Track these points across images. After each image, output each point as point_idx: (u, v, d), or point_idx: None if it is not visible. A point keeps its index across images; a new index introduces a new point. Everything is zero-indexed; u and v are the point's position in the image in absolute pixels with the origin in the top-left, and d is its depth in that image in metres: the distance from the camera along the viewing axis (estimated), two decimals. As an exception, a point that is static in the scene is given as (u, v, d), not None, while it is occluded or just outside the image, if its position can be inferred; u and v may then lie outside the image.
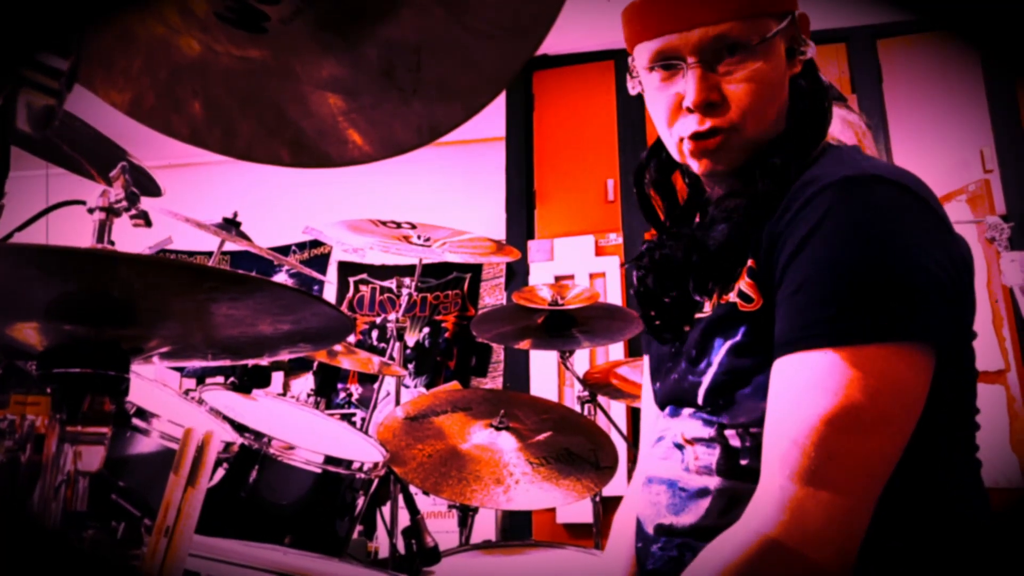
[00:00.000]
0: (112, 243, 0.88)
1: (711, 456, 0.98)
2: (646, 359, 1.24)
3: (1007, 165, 3.38)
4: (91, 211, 0.86)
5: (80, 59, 0.46)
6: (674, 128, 1.02)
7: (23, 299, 0.73)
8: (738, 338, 0.96)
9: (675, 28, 0.98)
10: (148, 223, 0.83)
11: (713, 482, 0.97)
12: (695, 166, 1.04)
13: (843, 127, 1.37)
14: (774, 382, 0.90)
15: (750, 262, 0.97)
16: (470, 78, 0.63)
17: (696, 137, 1.00)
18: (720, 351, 0.98)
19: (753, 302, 0.95)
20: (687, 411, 1.03)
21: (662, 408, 1.10)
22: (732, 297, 0.99)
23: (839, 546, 0.82)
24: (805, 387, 0.86)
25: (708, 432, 0.99)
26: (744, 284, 0.97)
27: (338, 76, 0.65)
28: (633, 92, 1.09)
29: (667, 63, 1.00)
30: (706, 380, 0.99)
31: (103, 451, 0.69)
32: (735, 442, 0.96)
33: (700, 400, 1.00)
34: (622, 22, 1.05)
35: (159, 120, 0.70)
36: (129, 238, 1.10)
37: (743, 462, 0.95)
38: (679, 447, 1.03)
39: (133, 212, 0.82)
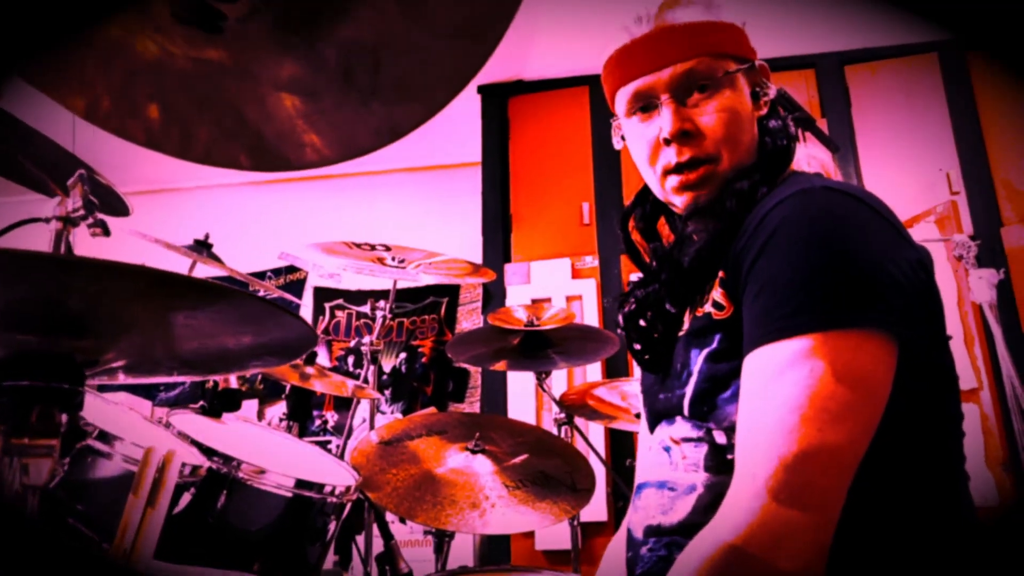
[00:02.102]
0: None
1: (698, 453, 1.01)
2: (641, 396, 1.26)
3: (972, 187, 3.44)
4: (47, 221, 0.84)
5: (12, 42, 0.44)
6: (656, 164, 1.11)
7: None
8: (714, 346, 1.01)
9: (649, 70, 1.08)
10: (106, 232, 0.82)
11: (701, 478, 0.99)
12: (678, 201, 1.11)
13: (807, 162, 1.44)
14: (743, 380, 0.92)
15: (721, 273, 1.02)
16: (429, 78, 0.63)
17: (679, 169, 1.08)
18: (698, 360, 1.02)
19: (725, 310, 1.00)
20: (677, 419, 1.06)
21: (653, 428, 1.13)
22: (706, 308, 1.04)
23: (811, 549, 0.82)
24: (770, 381, 0.88)
25: (696, 433, 1.02)
26: (717, 293, 1.02)
27: (297, 77, 0.64)
28: (618, 146, 1.19)
29: (644, 104, 1.11)
30: (689, 390, 1.02)
31: (51, 464, 0.67)
32: (721, 439, 0.99)
33: (686, 410, 1.03)
34: (602, 76, 1.16)
35: (115, 124, 0.69)
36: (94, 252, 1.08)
37: (730, 457, 0.96)
38: (667, 449, 1.06)
39: (91, 221, 0.80)
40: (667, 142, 1.07)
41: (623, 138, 1.17)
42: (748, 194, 1.04)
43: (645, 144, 1.11)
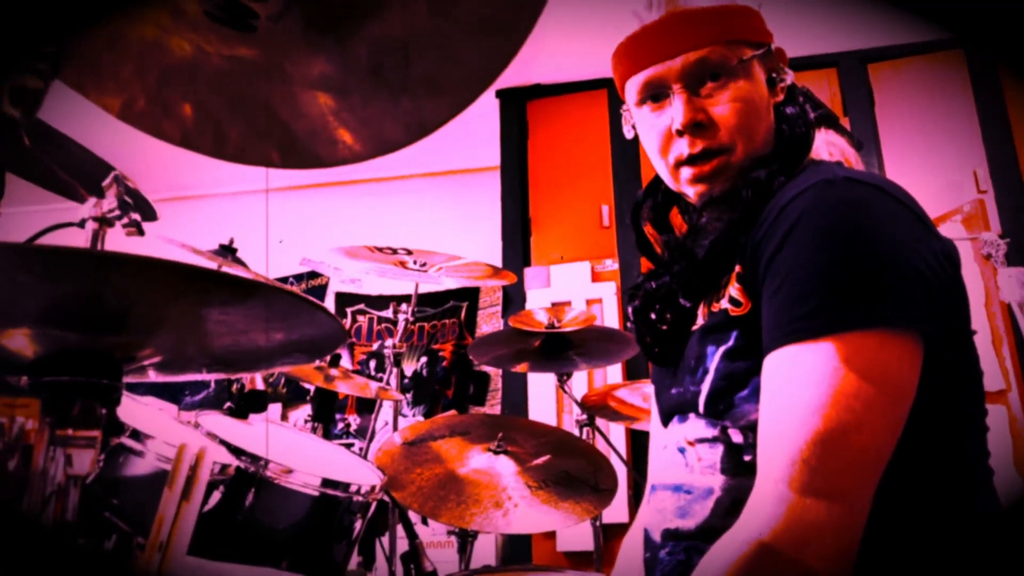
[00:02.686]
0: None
1: (715, 454, 0.99)
2: (652, 389, 1.25)
3: (1001, 185, 3.39)
4: (82, 223, 0.86)
5: (65, 47, 0.46)
6: (668, 155, 1.07)
7: (15, 304, 0.72)
8: (731, 343, 0.98)
9: (660, 59, 1.05)
10: (141, 232, 0.83)
11: (718, 481, 0.97)
12: (691, 192, 1.08)
13: (827, 149, 1.41)
14: (764, 381, 0.90)
15: (737, 268, 0.99)
16: (457, 74, 0.64)
17: (692, 161, 1.04)
18: (715, 357, 0.99)
19: (742, 306, 0.97)
20: (691, 416, 1.04)
21: (666, 423, 1.11)
22: (723, 303, 1.01)
23: (837, 548, 0.81)
24: (793, 382, 0.86)
25: (711, 432, 1.00)
26: (734, 289, 0.99)
27: (328, 75, 0.66)
28: (629, 136, 1.15)
29: (655, 94, 1.07)
30: (705, 388, 1.00)
31: (94, 455, 0.69)
32: (738, 439, 0.97)
33: (702, 408, 1.00)
34: (612, 65, 1.12)
35: (150, 124, 0.71)
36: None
37: (747, 458, 0.95)
38: (682, 450, 1.04)
39: (125, 221, 0.82)
40: (679, 133, 1.04)
41: (634, 127, 1.14)
42: (765, 184, 1.01)
43: (656, 135, 1.08)
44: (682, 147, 1.05)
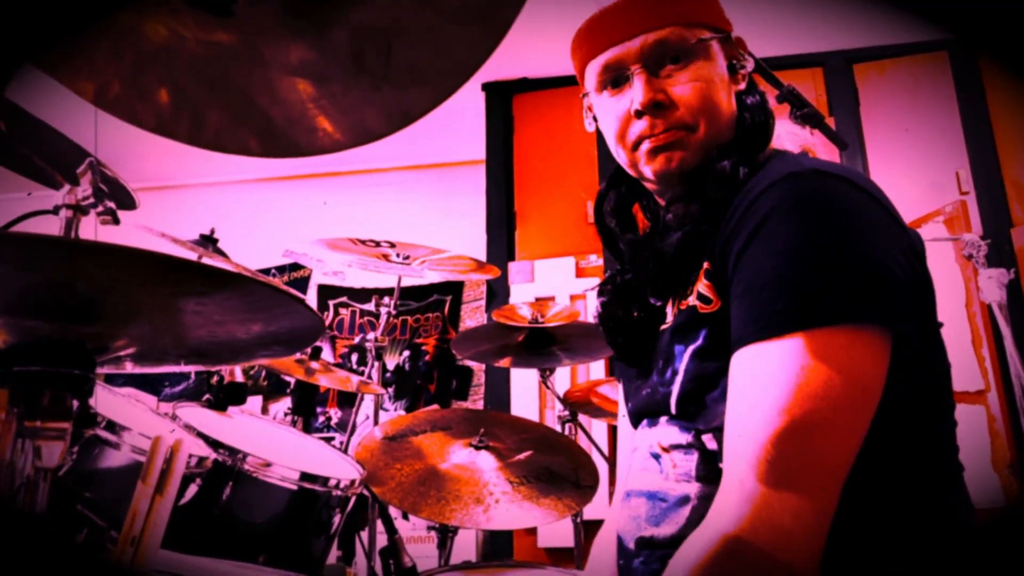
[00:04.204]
0: (79, 242, 0.86)
1: (689, 462, 0.97)
2: (620, 386, 1.23)
3: (983, 186, 3.42)
4: (57, 210, 0.84)
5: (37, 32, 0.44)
6: (626, 136, 1.05)
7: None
8: (700, 342, 0.97)
9: (618, 40, 1.03)
10: (116, 220, 0.82)
11: (693, 489, 0.96)
12: (648, 170, 1.05)
13: (788, 139, 1.41)
14: (731, 378, 0.89)
15: (706, 264, 0.98)
16: (440, 63, 0.63)
17: (652, 137, 1.02)
18: (684, 357, 0.98)
19: (712, 303, 0.96)
20: (663, 419, 1.02)
21: (636, 424, 1.10)
22: (692, 301, 0.99)
23: (805, 543, 0.81)
24: (759, 379, 0.85)
25: (685, 438, 0.98)
26: (702, 286, 0.98)
27: (307, 61, 0.64)
28: (590, 128, 1.14)
29: (615, 77, 1.05)
30: (675, 389, 0.99)
31: (63, 447, 0.67)
32: (712, 445, 0.96)
33: (673, 409, 0.99)
34: (571, 52, 1.11)
35: (125, 109, 0.69)
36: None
37: (722, 465, 0.93)
38: (656, 457, 1.02)
39: (100, 209, 0.80)
40: (639, 114, 1.02)
41: (595, 119, 1.12)
42: (731, 176, 0.99)
43: (615, 119, 1.06)
44: (641, 127, 1.03)
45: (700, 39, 1.03)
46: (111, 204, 0.81)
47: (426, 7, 0.59)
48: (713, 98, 1.03)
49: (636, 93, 1.02)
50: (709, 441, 0.96)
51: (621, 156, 1.09)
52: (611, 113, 1.07)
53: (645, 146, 1.04)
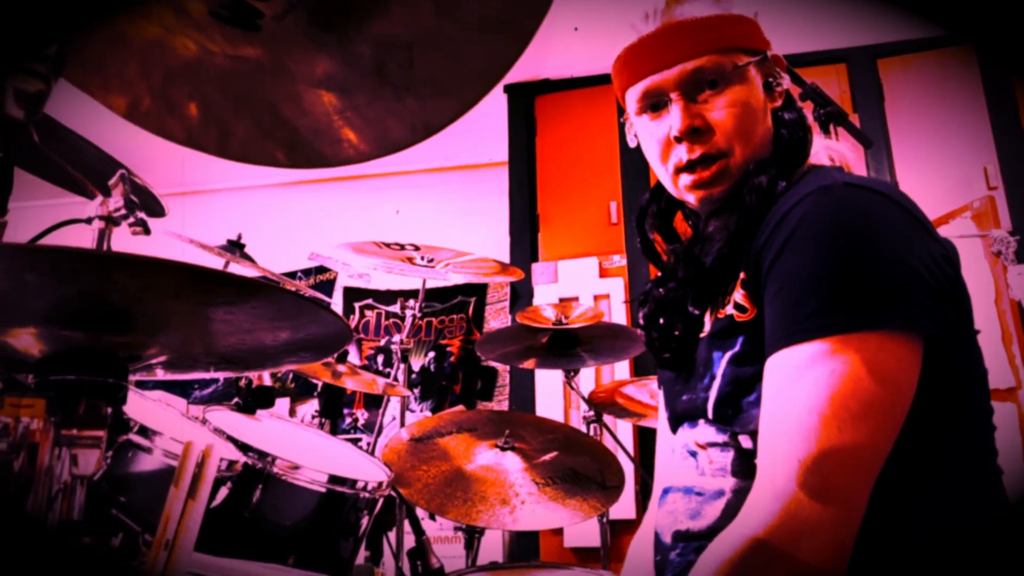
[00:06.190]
0: (111, 252, 0.88)
1: (725, 458, 1.00)
2: (661, 392, 1.25)
3: (1011, 182, 3.36)
4: (89, 221, 0.86)
5: (67, 46, 0.46)
6: (668, 162, 1.10)
7: (21, 304, 0.72)
8: (737, 348, 1.00)
9: (657, 68, 1.07)
10: (147, 231, 0.83)
11: (728, 483, 0.99)
12: (691, 198, 1.10)
13: (827, 154, 1.42)
14: (765, 383, 0.92)
15: (742, 274, 1.01)
16: (462, 73, 0.63)
17: (691, 167, 1.07)
18: (721, 363, 1.01)
19: (747, 312, 0.99)
20: (700, 422, 1.05)
21: (675, 429, 1.12)
22: (728, 310, 1.02)
23: (831, 546, 0.82)
24: (792, 383, 0.87)
25: (722, 438, 1.01)
26: (739, 295, 1.01)
27: (332, 74, 0.65)
28: (632, 144, 1.18)
29: (654, 103, 1.10)
30: (712, 393, 1.01)
31: (99, 454, 0.69)
32: (747, 444, 0.98)
33: (710, 414, 1.02)
34: (612, 76, 1.15)
35: (155, 123, 0.71)
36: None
37: (757, 461, 0.94)
38: (692, 454, 1.05)
39: (132, 220, 0.82)
40: (678, 140, 1.07)
41: (636, 135, 1.17)
42: (767, 189, 1.03)
43: (656, 143, 1.11)
44: (681, 153, 1.07)
45: (736, 65, 1.06)
46: (142, 215, 0.83)
47: (447, 18, 0.60)
48: (748, 121, 1.07)
49: (674, 119, 1.06)
50: (745, 441, 0.98)
51: (664, 177, 1.14)
52: (652, 136, 1.11)
53: (686, 180, 1.08)
